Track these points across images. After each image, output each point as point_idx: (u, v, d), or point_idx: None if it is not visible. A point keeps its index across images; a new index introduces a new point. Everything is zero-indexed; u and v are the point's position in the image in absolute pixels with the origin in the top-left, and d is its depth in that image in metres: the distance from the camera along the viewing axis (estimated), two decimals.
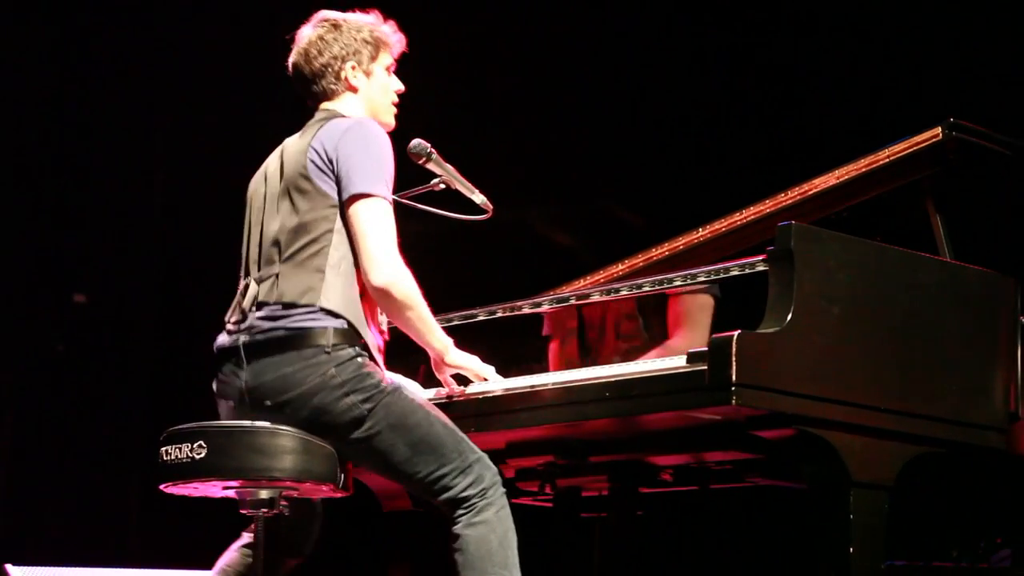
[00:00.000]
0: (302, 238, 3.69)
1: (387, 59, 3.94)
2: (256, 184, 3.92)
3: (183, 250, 6.77)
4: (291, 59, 3.94)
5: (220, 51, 6.82)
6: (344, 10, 3.97)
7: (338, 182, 3.70)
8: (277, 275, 3.70)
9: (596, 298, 4.12)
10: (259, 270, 3.76)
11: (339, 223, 3.70)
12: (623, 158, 6.85)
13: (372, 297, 3.70)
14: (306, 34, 3.92)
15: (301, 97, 3.96)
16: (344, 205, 3.69)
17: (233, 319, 3.76)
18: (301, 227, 3.70)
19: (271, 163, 3.90)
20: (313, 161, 3.71)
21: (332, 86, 3.89)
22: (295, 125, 3.95)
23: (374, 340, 3.72)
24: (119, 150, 6.75)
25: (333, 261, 3.67)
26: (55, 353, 6.73)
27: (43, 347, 6.69)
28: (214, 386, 3.78)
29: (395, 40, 3.96)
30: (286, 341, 3.63)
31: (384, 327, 3.81)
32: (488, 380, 3.90)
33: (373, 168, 3.69)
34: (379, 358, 3.73)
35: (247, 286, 3.76)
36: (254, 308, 3.71)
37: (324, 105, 3.91)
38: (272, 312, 3.68)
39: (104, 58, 6.73)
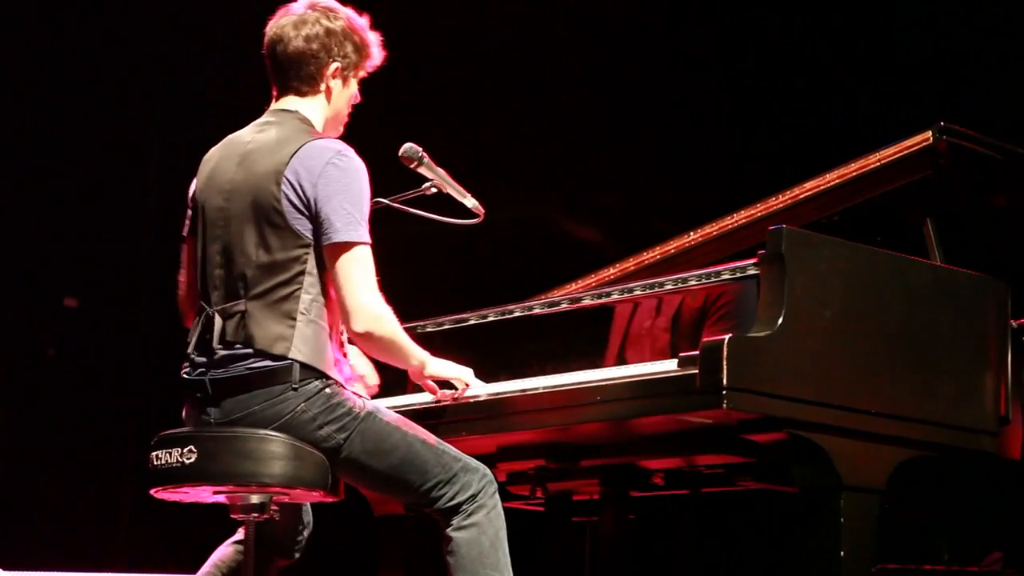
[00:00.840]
0: (273, 278, 3.59)
1: (363, 72, 3.84)
2: (208, 190, 3.74)
3: (174, 253, 6.75)
4: (274, 29, 3.75)
5: (213, 55, 6.81)
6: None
7: (315, 223, 3.59)
8: (244, 313, 3.61)
9: (587, 302, 4.12)
10: (223, 301, 3.65)
11: (311, 263, 3.60)
12: (616, 161, 6.85)
13: (349, 335, 3.68)
14: (300, 11, 3.75)
15: (266, 73, 3.79)
16: (323, 249, 3.60)
17: (197, 355, 3.67)
18: (272, 265, 3.60)
19: (228, 170, 3.71)
20: (288, 197, 3.59)
21: (310, 79, 3.74)
22: None
23: (342, 377, 3.66)
24: (111, 152, 6.74)
25: (304, 306, 3.59)
26: (46, 357, 6.72)
27: (34, 351, 6.68)
28: (184, 415, 3.73)
29: (376, 54, 3.85)
30: (253, 379, 3.58)
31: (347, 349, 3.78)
32: (468, 382, 3.89)
33: (354, 212, 3.59)
34: (361, 388, 3.72)
35: (210, 319, 3.65)
36: (220, 347, 3.61)
37: (287, 102, 3.76)
38: (238, 352, 3.61)
39: (96, 59, 6.71)
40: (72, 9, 6.69)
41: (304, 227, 3.60)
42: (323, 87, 3.77)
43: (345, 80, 3.79)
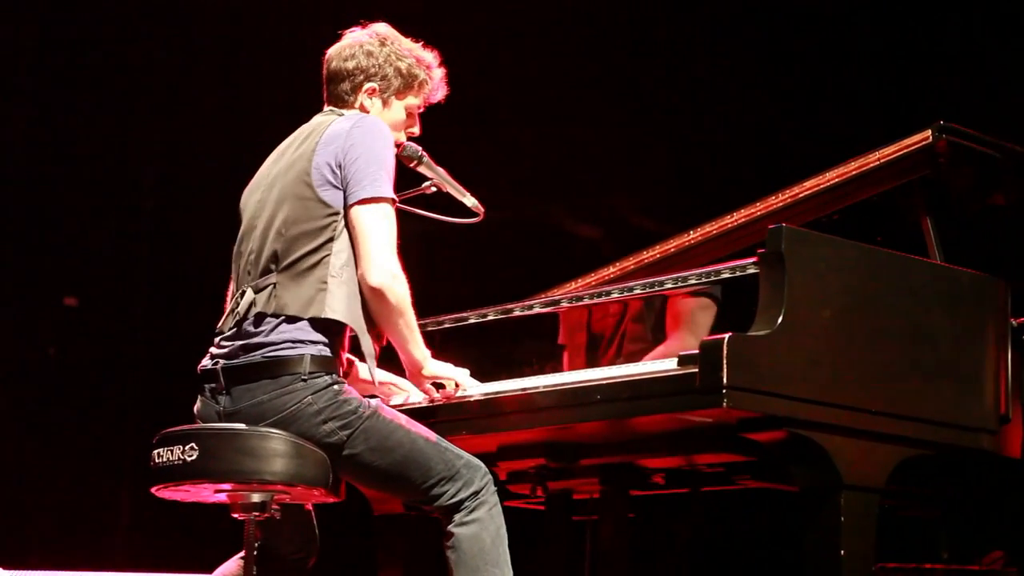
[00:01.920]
0: (301, 248, 3.67)
1: (414, 100, 3.92)
2: (250, 191, 3.88)
3: (174, 252, 6.77)
4: (330, 50, 3.92)
5: (210, 54, 6.82)
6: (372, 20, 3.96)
7: (344, 185, 3.68)
8: (275, 285, 3.68)
9: (587, 301, 4.12)
10: (257, 278, 3.72)
11: (340, 228, 3.67)
12: (616, 160, 6.85)
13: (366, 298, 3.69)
14: (354, 35, 3.91)
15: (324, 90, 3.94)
16: (348, 208, 3.67)
17: (223, 336, 3.73)
18: (300, 237, 3.67)
19: (266, 169, 3.87)
20: (319, 169, 3.69)
21: (345, 95, 3.87)
22: (287, 130, 3.93)
23: (370, 348, 3.70)
24: (109, 152, 6.75)
25: (335, 270, 3.65)
26: (46, 356, 6.72)
27: (34, 350, 6.68)
28: (196, 407, 3.76)
29: (434, 87, 3.94)
30: (262, 368, 3.62)
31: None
32: (464, 384, 3.90)
33: (378, 170, 3.68)
34: (372, 363, 3.71)
35: (243, 294, 3.72)
36: (249, 320, 3.67)
37: (331, 107, 3.90)
38: (259, 334, 3.65)
39: (94, 60, 6.72)
40: (71, 9, 6.70)
41: (331, 196, 3.68)
42: (358, 105, 3.88)
43: (385, 103, 3.89)
